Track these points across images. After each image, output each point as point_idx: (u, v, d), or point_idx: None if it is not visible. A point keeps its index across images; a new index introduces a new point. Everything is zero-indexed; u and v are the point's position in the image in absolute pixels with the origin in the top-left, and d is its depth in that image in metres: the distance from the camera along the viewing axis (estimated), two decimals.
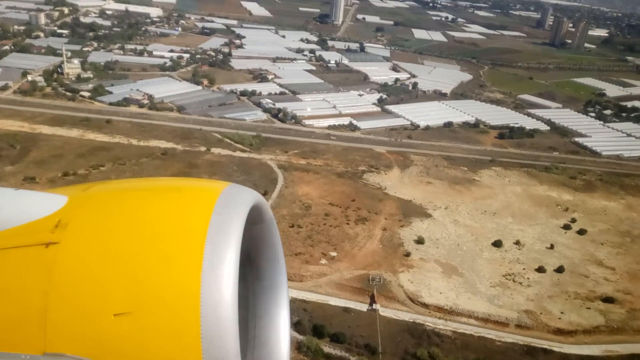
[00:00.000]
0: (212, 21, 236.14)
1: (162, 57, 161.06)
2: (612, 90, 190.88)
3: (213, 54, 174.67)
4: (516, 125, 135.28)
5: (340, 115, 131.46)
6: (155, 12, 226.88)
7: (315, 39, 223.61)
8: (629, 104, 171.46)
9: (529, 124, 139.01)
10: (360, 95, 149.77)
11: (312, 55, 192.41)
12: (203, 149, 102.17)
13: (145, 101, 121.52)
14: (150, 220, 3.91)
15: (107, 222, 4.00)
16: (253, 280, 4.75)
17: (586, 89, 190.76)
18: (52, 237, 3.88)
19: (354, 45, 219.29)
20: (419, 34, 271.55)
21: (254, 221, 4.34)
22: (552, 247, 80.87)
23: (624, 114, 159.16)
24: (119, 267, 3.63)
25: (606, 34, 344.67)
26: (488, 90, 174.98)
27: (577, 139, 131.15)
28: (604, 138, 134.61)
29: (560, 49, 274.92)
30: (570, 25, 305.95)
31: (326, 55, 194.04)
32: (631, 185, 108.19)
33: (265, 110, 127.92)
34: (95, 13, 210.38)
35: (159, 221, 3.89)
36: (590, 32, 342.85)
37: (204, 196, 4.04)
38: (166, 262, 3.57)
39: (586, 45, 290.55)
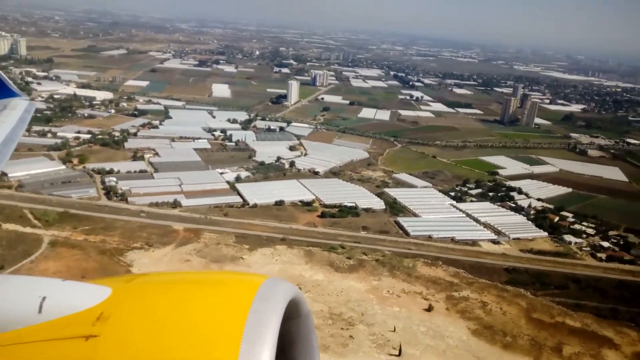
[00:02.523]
0: (159, 103, 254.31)
1: (64, 137, 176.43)
2: (512, 169, 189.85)
3: (118, 134, 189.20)
4: (350, 204, 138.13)
5: (180, 192, 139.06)
6: (102, 95, 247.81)
7: (244, 118, 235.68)
8: (515, 184, 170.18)
9: (368, 203, 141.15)
10: (221, 173, 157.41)
11: (222, 134, 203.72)
12: None
13: None
14: (190, 317, 4.06)
15: (147, 318, 4.16)
16: None
17: (485, 167, 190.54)
18: (92, 330, 4.05)
19: (277, 125, 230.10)
20: (366, 113, 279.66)
21: (290, 316, 4.42)
22: None
23: (491, 194, 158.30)
24: None
25: (579, 110, 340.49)
26: (371, 169, 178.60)
27: (400, 219, 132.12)
28: (432, 218, 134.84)
29: (509, 126, 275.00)
30: (536, 96, 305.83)
31: (237, 134, 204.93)
32: (403, 267, 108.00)
33: (105, 187, 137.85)
34: (42, 98, 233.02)
35: (198, 318, 4.03)
36: (566, 108, 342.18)
37: (242, 291, 4.24)
38: None
39: (542, 121, 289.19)
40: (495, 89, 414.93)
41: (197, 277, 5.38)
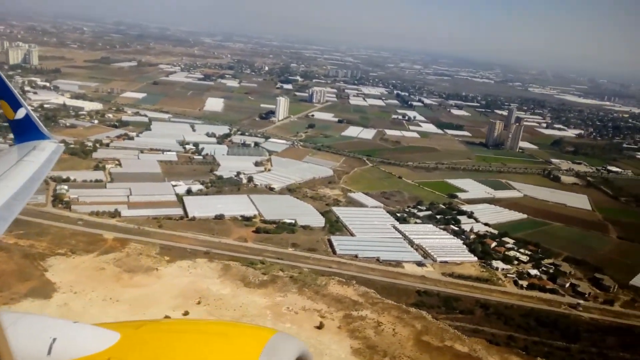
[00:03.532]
0: (145, 115, 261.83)
1: None
2: (474, 193, 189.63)
3: (90, 144, 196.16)
4: (289, 221, 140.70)
5: (125, 202, 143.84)
6: (91, 106, 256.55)
7: (224, 132, 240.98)
8: (470, 207, 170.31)
9: (309, 220, 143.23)
10: (174, 185, 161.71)
11: (193, 148, 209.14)
12: None
13: None
14: None
15: None
16: None
17: (447, 189, 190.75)
18: None
19: (253, 140, 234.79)
20: (351, 131, 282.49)
21: None
22: None
23: (439, 216, 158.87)
24: None
25: (574, 135, 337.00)
26: (330, 187, 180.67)
27: (332, 237, 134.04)
28: (364, 238, 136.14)
29: (492, 149, 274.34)
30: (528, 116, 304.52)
31: (208, 148, 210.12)
32: (314, 285, 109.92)
33: (54, 195, 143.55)
34: (32, 107, 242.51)
35: None
36: (562, 133, 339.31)
37: (250, 344, 4.38)
38: None
39: (529, 146, 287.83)
40: (496, 111, 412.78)
41: (206, 327, 5.50)
